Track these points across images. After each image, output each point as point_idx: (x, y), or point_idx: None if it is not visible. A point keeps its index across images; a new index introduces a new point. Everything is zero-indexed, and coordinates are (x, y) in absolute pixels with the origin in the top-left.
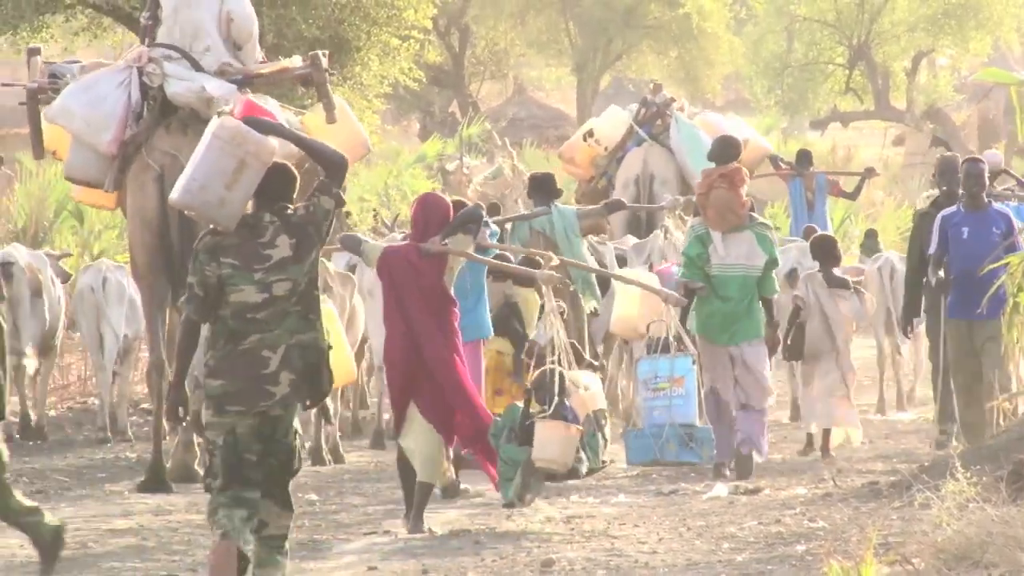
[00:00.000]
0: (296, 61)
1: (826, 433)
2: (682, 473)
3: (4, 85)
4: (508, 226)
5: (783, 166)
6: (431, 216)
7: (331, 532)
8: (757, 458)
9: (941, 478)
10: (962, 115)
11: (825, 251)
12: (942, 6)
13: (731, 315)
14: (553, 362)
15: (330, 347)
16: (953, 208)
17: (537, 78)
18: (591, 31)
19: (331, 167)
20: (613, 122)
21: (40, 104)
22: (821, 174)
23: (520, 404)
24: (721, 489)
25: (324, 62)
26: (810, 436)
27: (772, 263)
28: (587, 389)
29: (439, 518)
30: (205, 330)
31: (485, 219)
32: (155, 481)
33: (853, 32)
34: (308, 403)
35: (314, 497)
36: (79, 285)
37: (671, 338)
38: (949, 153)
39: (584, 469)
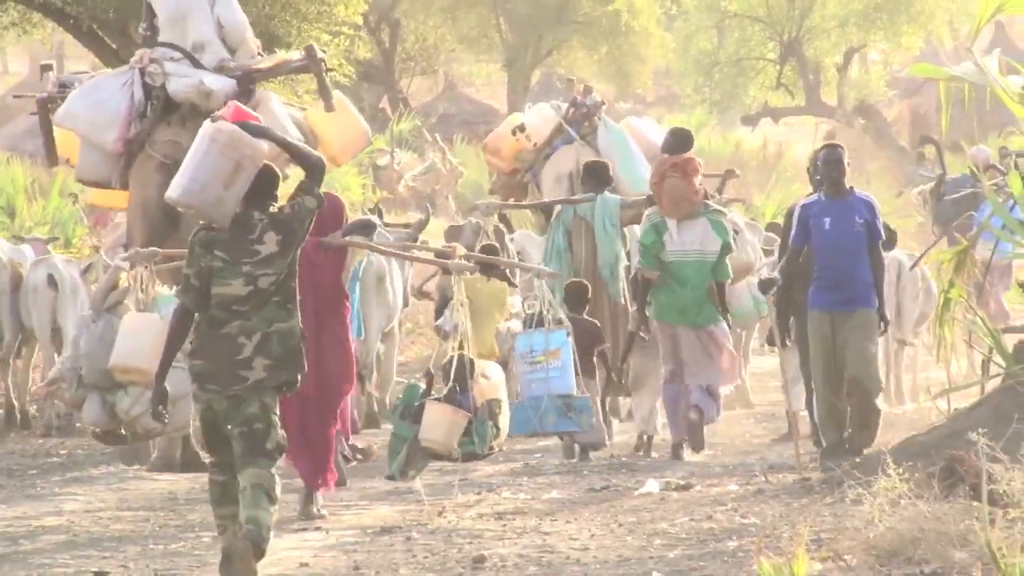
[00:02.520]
0: (294, 55)
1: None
2: (614, 469)
3: (16, 97)
4: (556, 208)
5: None
6: (325, 213)
7: None
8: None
9: (873, 474)
10: (893, 110)
11: None
12: (873, 1)
13: (691, 299)
14: (454, 349)
15: (303, 336)
16: (814, 197)
17: (467, 74)
18: (522, 27)
19: (312, 169)
20: (543, 118)
21: (50, 113)
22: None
23: (422, 384)
24: (653, 485)
25: (320, 54)
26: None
27: (726, 248)
28: (487, 379)
29: (371, 514)
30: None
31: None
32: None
33: (784, 28)
34: (286, 389)
35: None
36: (31, 280)
37: (546, 312)
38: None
39: (468, 451)
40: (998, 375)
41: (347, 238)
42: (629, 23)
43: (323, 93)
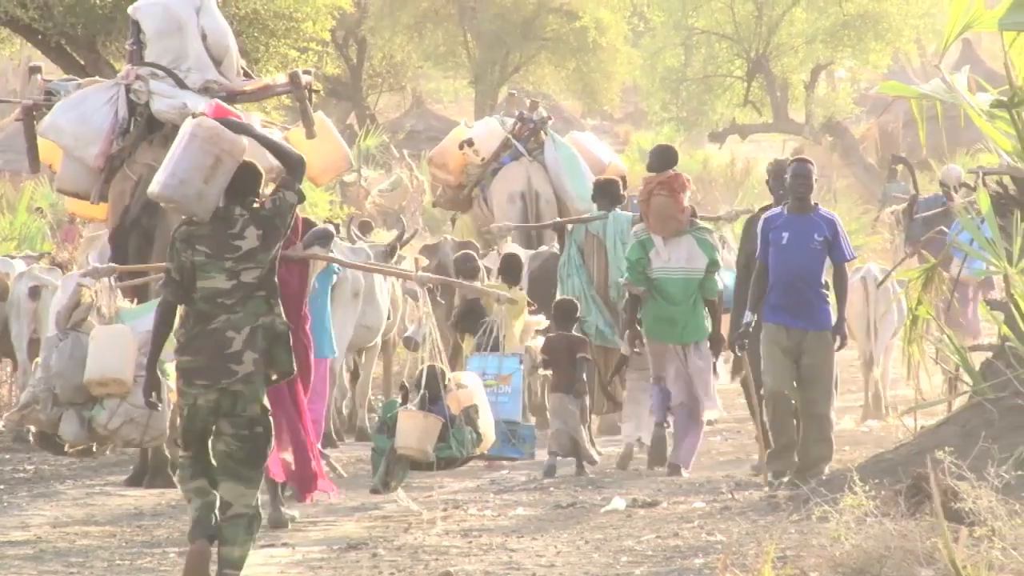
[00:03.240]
0: (279, 79)
1: None
2: (580, 486)
3: (1, 102)
4: (569, 227)
5: None
6: None
7: None
8: (684, 472)
9: (839, 491)
10: (861, 128)
11: None
12: (841, 18)
13: (677, 316)
14: (423, 359)
15: (289, 328)
16: (777, 210)
17: (435, 90)
18: (489, 43)
19: (292, 165)
20: (490, 133)
21: (35, 120)
22: (633, 196)
23: (399, 399)
24: (619, 502)
25: (304, 79)
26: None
27: (713, 265)
28: (464, 387)
29: (337, 530)
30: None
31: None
32: (140, 476)
33: (751, 45)
34: (275, 377)
35: None
36: (15, 291)
37: (502, 338)
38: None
39: (446, 456)
40: (965, 393)
41: (310, 251)
42: (596, 40)
43: (305, 120)
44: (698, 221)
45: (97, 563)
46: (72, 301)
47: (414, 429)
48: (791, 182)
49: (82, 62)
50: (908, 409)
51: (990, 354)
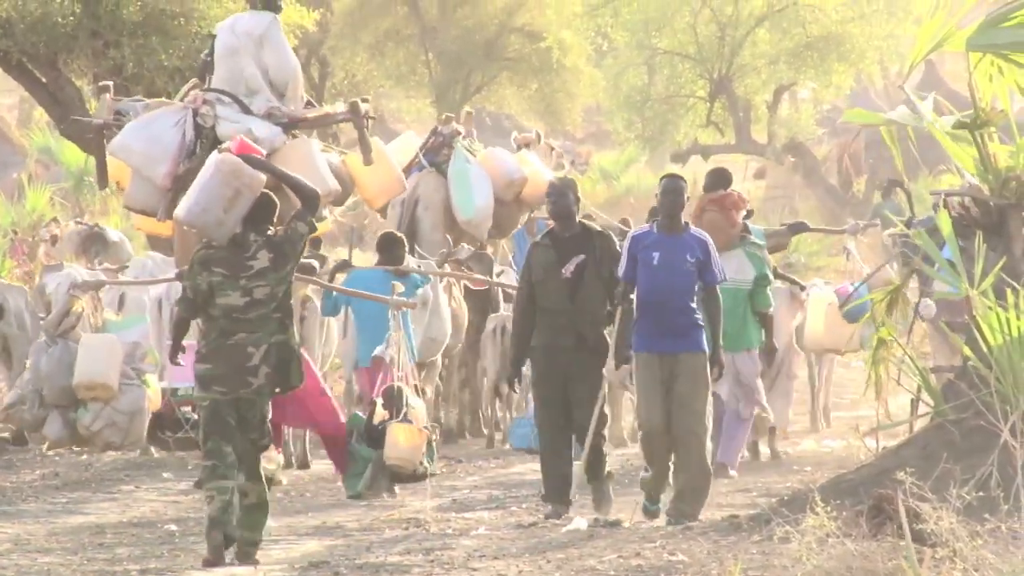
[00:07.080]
0: (339, 107)
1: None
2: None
3: (74, 120)
4: None
5: None
6: None
7: (190, 563)
8: (732, 472)
9: (801, 512)
10: (823, 149)
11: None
12: (804, 39)
13: (727, 325)
14: (399, 378)
15: (299, 347)
16: (646, 228)
17: (397, 110)
18: (450, 63)
19: (306, 199)
20: (404, 149)
21: (105, 139)
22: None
23: (361, 414)
24: (581, 522)
25: (363, 108)
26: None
27: (763, 279)
28: (414, 407)
29: (298, 549)
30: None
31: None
32: None
33: (714, 65)
34: (279, 391)
35: (174, 528)
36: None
37: None
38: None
39: (426, 471)
40: (927, 414)
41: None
42: (559, 60)
43: (363, 146)
44: (752, 237)
45: None
46: (63, 310)
47: (408, 442)
48: (661, 199)
49: (44, 80)
50: (870, 430)
51: (951, 375)
